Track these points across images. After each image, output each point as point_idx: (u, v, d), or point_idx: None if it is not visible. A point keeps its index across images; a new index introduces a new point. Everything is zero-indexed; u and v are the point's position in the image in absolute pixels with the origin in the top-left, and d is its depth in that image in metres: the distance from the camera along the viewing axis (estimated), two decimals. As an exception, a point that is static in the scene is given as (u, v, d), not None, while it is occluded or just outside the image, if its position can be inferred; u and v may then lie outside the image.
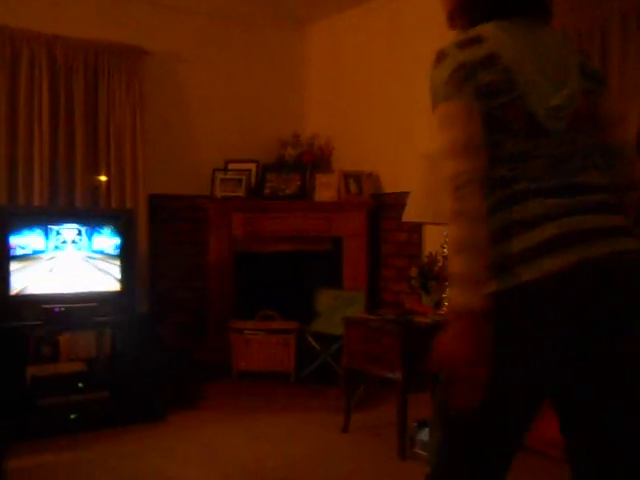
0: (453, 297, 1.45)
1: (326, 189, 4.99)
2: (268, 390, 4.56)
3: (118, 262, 4.24)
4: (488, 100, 1.51)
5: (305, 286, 4.92)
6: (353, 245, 4.90)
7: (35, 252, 4.00)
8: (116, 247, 4.24)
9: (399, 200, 4.25)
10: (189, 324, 4.98)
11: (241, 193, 5.04)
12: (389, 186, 4.89)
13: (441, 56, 1.56)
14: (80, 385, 3.92)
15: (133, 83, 4.68)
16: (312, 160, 5.19)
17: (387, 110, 4.89)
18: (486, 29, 1.59)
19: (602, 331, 1.48)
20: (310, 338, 4.66)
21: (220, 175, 5.09)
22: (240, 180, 5.07)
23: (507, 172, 1.52)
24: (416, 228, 4.51)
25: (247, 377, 4.69)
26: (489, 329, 1.41)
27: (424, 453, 3.45)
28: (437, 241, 3.92)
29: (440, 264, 3.77)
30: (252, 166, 5.18)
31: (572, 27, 3.51)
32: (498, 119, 1.52)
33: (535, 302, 1.44)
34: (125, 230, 4.27)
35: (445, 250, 3.61)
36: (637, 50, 3.38)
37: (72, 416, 3.87)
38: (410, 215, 3.67)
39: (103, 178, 4.61)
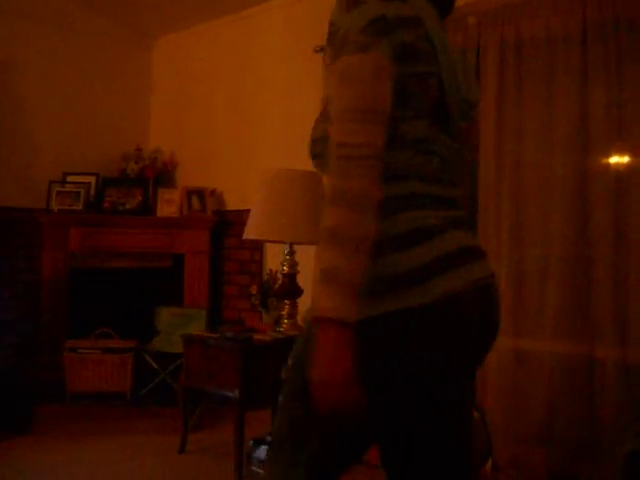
0: (320, 298, 1.17)
1: (168, 205, 4.91)
2: (103, 412, 4.37)
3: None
4: (403, 64, 1.27)
5: (145, 304, 4.79)
6: (195, 262, 4.84)
7: None
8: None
9: (242, 217, 4.26)
10: (20, 345, 4.69)
11: (79, 207, 4.84)
12: (232, 203, 4.89)
13: (355, 2, 1.28)
14: None
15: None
16: (155, 175, 5.09)
17: (231, 127, 4.91)
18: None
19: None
20: (148, 357, 4.53)
21: (57, 187, 4.86)
22: (78, 193, 4.87)
23: (404, 162, 1.30)
24: (258, 245, 4.53)
25: (82, 399, 4.48)
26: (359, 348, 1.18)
27: (261, 471, 3.43)
28: (278, 259, 3.96)
29: (280, 281, 3.80)
30: (92, 179, 5.00)
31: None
32: (408, 90, 1.29)
33: (422, 329, 1.25)
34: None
35: (285, 268, 3.65)
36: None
37: None
38: (251, 232, 3.67)
39: None
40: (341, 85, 1.24)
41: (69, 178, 4.94)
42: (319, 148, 1.39)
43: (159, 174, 5.13)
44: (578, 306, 3.15)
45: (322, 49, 3.84)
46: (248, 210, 3.77)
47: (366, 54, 1.23)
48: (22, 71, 4.78)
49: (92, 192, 4.97)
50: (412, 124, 1.32)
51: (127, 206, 4.94)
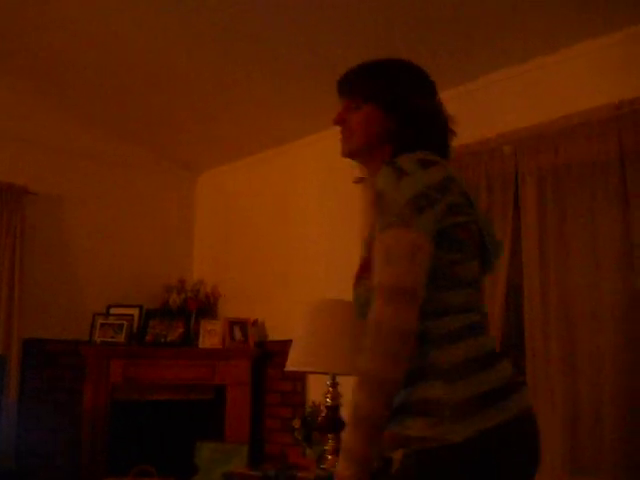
0: (340, 468, 1.33)
1: (211, 336, 4.90)
2: None
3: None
4: (446, 218, 1.42)
5: (185, 438, 4.68)
6: (237, 394, 4.76)
7: None
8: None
9: (284, 348, 4.21)
10: (59, 478, 4.59)
11: (121, 339, 4.86)
12: (274, 334, 4.85)
13: (401, 172, 1.42)
14: None
15: (14, 222, 4.57)
16: (197, 306, 5.12)
17: (272, 259, 4.96)
18: (430, 154, 1.52)
19: None
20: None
21: (100, 320, 4.91)
22: (121, 325, 4.91)
23: (464, 297, 1.46)
24: (300, 377, 4.45)
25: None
26: None
27: None
28: (321, 390, 3.86)
29: (323, 414, 3.69)
30: (135, 311, 5.05)
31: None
32: (457, 237, 1.45)
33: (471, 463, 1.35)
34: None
35: (328, 400, 3.55)
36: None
37: None
38: (293, 363, 3.61)
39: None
40: (383, 260, 1.37)
41: (113, 310, 4.99)
42: (362, 309, 1.51)
43: (201, 306, 5.16)
44: (637, 442, 2.98)
45: (361, 180, 3.92)
46: (290, 341, 3.73)
47: (408, 230, 1.36)
48: (71, 206, 4.98)
49: (135, 324, 5.00)
50: (467, 266, 1.48)
51: (169, 338, 4.95)
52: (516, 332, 3.56)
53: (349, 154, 1.69)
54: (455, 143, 1.70)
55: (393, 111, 1.61)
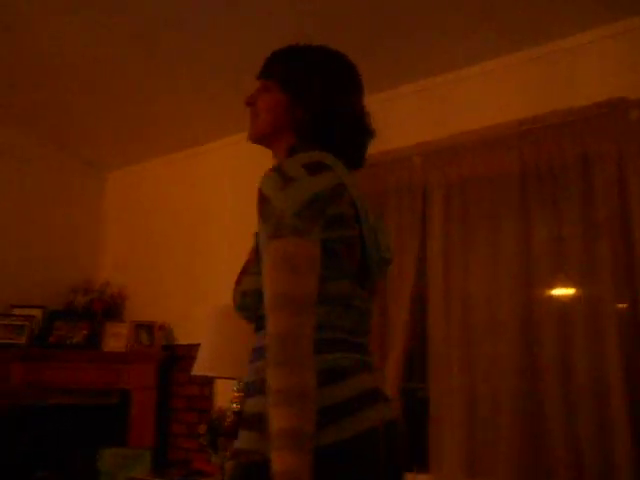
0: (276, 460, 1.21)
1: (116, 339, 4.80)
2: None
3: None
4: (330, 231, 1.37)
5: (89, 443, 4.56)
6: (142, 398, 4.67)
7: None
8: None
9: (191, 352, 4.17)
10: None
11: (22, 340, 4.69)
12: (181, 338, 4.80)
13: (287, 178, 1.35)
14: None
15: None
16: (103, 308, 5.00)
17: (180, 262, 4.92)
18: (324, 156, 1.45)
19: None
20: (89, 502, 4.28)
21: (2, 320, 4.73)
22: (23, 326, 4.74)
23: (324, 315, 1.38)
24: (207, 381, 4.42)
25: None
26: None
27: None
28: (228, 395, 3.86)
29: (230, 419, 3.68)
30: (37, 312, 4.89)
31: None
32: (335, 253, 1.40)
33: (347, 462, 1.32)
34: None
35: (235, 405, 3.55)
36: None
37: None
38: (200, 368, 3.59)
39: None
40: (275, 269, 1.31)
41: (15, 311, 4.82)
42: (250, 300, 1.49)
43: (107, 307, 5.04)
44: (532, 444, 3.12)
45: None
46: (197, 345, 3.71)
47: (302, 240, 1.31)
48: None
49: (38, 325, 4.84)
50: (337, 284, 1.42)
51: (74, 340, 4.81)
52: (420, 338, 3.66)
53: (253, 138, 1.63)
54: (370, 150, 1.65)
55: (301, 99, 1.54)
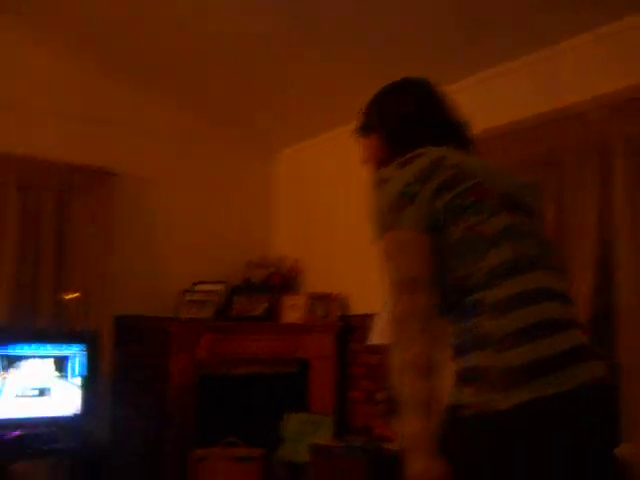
0: (410, 466, 1.37)
1: (293, 311, 4.97)
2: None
3: (79, 386, 4.10)
4: (440, 197, 1.49)
5: (271, 410, 4.78)
6: (320, 367, 4.82)
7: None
8: (78, 370, 4.11)
9: (367, 321, 4.23)
10: (149, 452, 4.76)
11: (208, 315, 4.98)
12: (357, 307, 4.87)
13: (381, 182, 1.58)
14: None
15: (102, 204, 4.69)
16: (280, 282, 5.19)
17: (353, 231, 4.95)
18: (417, 150, 1.60)
19: None
20: (276, 466, 4.48)
21: (187, 296, 5.04)
22: (207, 301, 5.02)
23: (505, 255, 1.45)
24: (384, 349, 4.45)
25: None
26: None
27: None
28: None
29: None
30: (220, 287, 5.15)
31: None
32: (461, 207, 1.49)
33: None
34: (89, 352, 4.16)
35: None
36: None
37: None
38: (375, 337, 3.63)
39: (69, 297, 4.53)
40: (384, 264, 1.51)
41: (198, 287, 5.11)
42: None
43: (284, 281, 5.23)
44: None
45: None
46: (373, 315, 3.74)
47: (391, 232, 1.51)
48: (154, 186, 5.08)
49: (220, 300, 5.11)
50: (489, 224, 1.48)
51: (254, 313, 5.04)
52: (605, 308, 3.40)
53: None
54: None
55: (384, 133, 1.79)
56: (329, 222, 5.21)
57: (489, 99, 3.84)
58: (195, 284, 5.11)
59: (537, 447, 1.31)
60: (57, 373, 4.06)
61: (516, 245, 1.48)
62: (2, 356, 3.90)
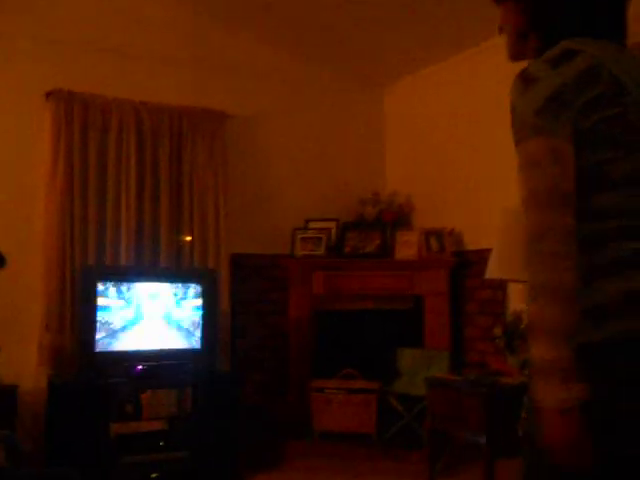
0: (539, 392, 1.26)
1: (407, 247, 4.94)
2: (349, 452, 4.46)
3: (201, 321, 4.28)
4: (586, 117, 1.31)
5: (386, 345, 4.84)
6: (435, 304, 4.80)
7: (120, 310, 4.09)
8: (199, 306, 4.29)
9: (482, 257, 4.15)
10: (269, 383, 4.96)
11: (321, 252, 5.04)
12: (471, 243, 4.80)
13: (530, 79, 1.35)
14: (161, 444, 3.92)
15: (216, 146, 4.80)
16: (393, 218, 5.17)
17: (466, 166, 4.84)
18: (570, 43, 1.38)
19: None
20: (392, 399, 4.55)
21: (300, 234, 5.11)
22: (320, 239, 5.08)
23: (617, 200, 1.32)
24: (500, 285, 4.38)
25: (328, 437, 4.61)
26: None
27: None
28: (522, 298, 3.79)
29: (525, 322, 3.63)
30: (332, 224, 5.20)
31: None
32: (600, 135, 1.32)
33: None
34: (207, 289, 4.33)
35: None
36: None
37: (153, 475, 3.86)
38: (493, 272, 3.56)
39: (187, 238, 4.71)
40: (524, 171, 1.33)
41: (311, 224, 5.17)
42: None
43: (396, 217, 5.20)
44: None
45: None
46: (489, 249, 3.67)
47: (542, 138, 1.30)
48: (265, 127, 5.14)
49: (333, 237, 5.16)
50: (621, 164, 1.33)
51: (366, 249, 5.06)
52: None
53: (510, 57, 1.61)
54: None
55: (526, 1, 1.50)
56: (440, 157, 5.11)
57: None
58: (308, 221, 5.17)
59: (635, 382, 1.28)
60: (179, 309, 4.25)
61: (631, 198, 1.34)
62: (129, 294, 4.12)
